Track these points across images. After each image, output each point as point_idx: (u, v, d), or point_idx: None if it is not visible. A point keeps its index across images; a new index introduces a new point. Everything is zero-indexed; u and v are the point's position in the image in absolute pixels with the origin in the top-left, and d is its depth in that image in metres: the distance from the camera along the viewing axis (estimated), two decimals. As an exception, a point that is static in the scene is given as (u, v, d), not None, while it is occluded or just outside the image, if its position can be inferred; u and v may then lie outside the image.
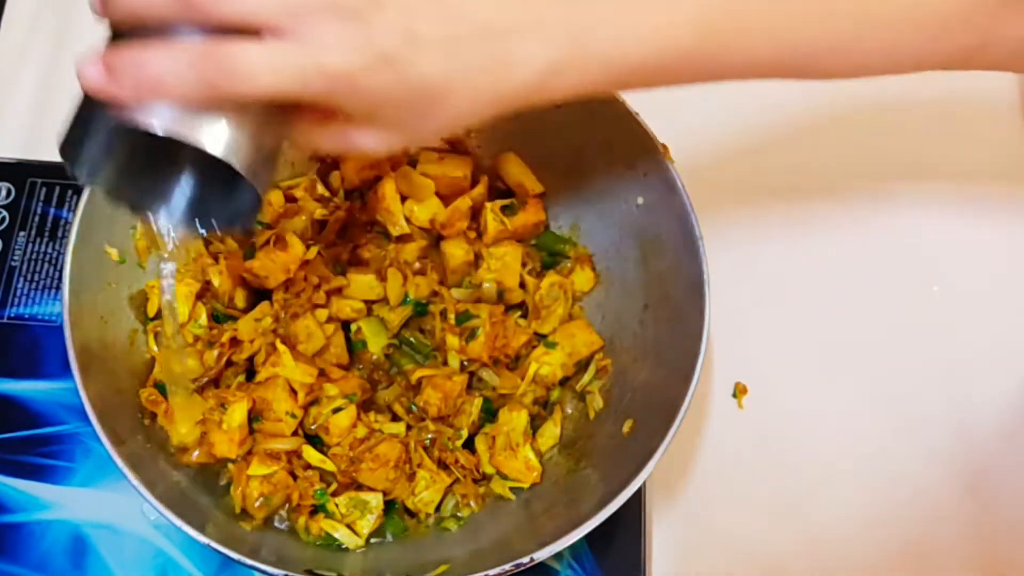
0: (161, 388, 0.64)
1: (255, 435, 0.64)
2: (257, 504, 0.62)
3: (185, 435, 0.62)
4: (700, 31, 0.47)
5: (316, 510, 0.63)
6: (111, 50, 0.42)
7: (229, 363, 0.66)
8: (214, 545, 0.55)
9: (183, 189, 0.49)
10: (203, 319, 0.66)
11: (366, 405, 0.66)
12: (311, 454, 0.64)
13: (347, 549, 0.63)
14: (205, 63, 0.40)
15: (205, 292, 0.68)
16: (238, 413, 0.62)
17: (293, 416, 0.63)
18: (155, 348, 0.65)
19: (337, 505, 0.63)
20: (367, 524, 0.63)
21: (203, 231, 0.49)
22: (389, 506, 0.64)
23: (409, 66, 0.42)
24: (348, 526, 0.63)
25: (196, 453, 0.63)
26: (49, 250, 0.75)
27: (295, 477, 0.63)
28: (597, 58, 0.46)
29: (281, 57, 0.40)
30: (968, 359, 0.76)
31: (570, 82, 0.46)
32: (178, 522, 0.55)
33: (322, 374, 0.65)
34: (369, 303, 0.69)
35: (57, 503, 0.68)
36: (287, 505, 0.63)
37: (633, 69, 0.47)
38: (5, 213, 0.76)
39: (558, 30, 0.45)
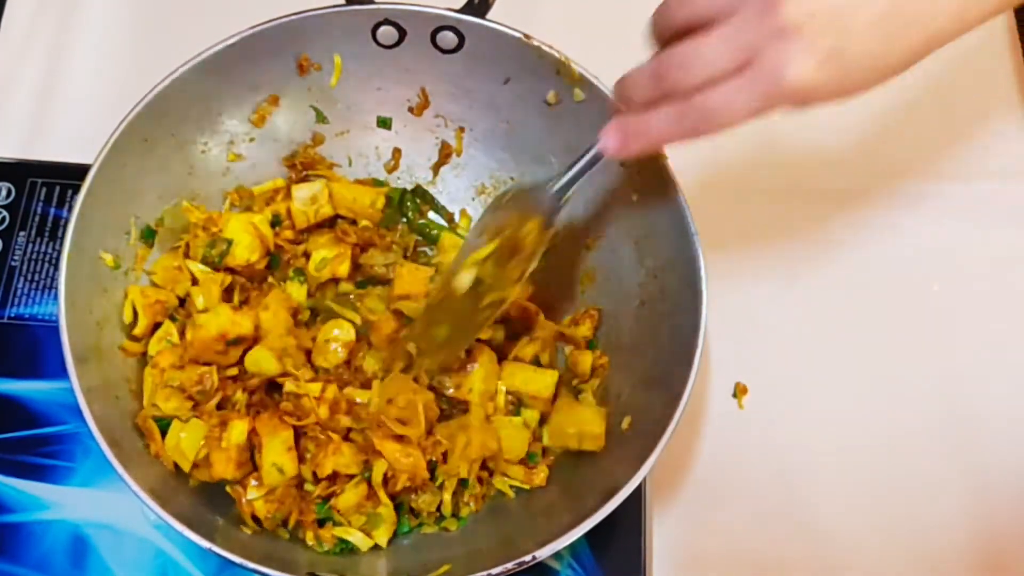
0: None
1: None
2: (267, 518, 0.62)
3: (186, 456, 0.62)
4: None
5: (322, 522, 0.63)
6: (619, 121, 0.56)
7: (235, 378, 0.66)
8: (216, 550, 0.55)
9: None
10: (174, 336, 0.66)
11: None
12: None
13: (359, 552, 0.63)
14: (693, 114, 0.51)
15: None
16: (236, 432, 0.62)
17: (281, 471, 0.62)
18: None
19: (340, 512, 0.63)
20: (384, 533, 0.63)
21: None
22: (397, 508, 0.64)
23: (845, 64, 0.49)
24: (362, 530, 0.63)
25: (195, 470, 0.63)
26: (49, 250, 0.75)
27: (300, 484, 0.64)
28: None
29: (748, 90, 0.50)
30: (970, 358, 0.76)
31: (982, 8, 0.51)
32: (179, 526, 0.55)
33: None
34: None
35: (57, 503, 0.68)
36: (291, 517, 0.63)
37: None
38: (5, 213, 0.76)
39: None
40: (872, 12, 0.49)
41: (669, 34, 0.53)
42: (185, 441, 0.62)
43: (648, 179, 0.65)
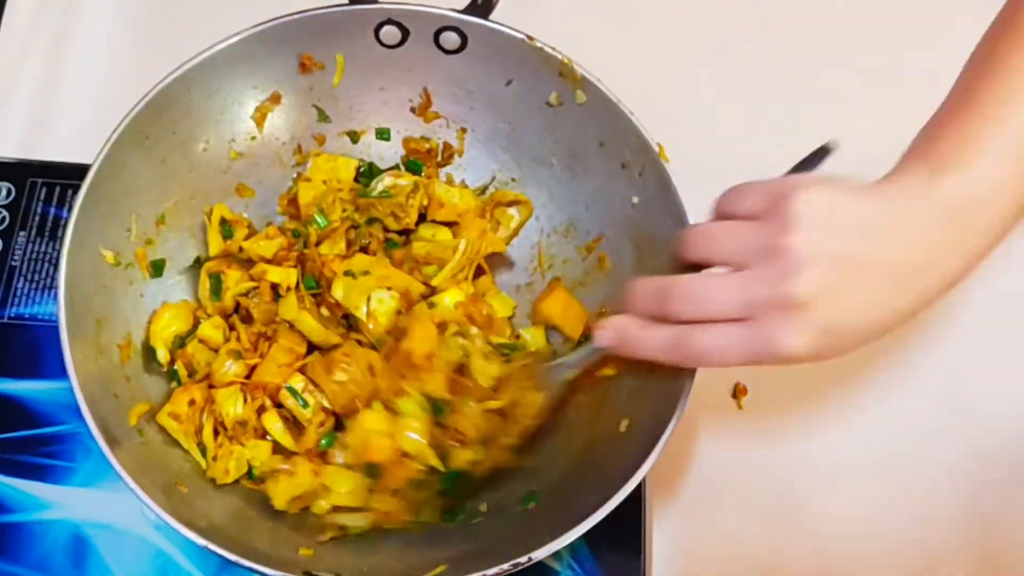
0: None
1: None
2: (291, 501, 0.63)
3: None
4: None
5: None
6: (621, 323, 0.58)
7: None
8: (215, 549, 0.55)
9: None
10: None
11: None
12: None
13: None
14: (684, 347, 0.54)
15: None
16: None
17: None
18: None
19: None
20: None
21: None
22: None
23: (839, 337, 0.51)
24: None
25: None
26: (49, 250, 0.75)
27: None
28: (988, 242, 0.51)
29: (741, 346, 0.51)
30: (971, 360, 0.76)
31: (988, 242, 0.51)
32: (179, 526, 0.55)
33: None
34: None
35: (57, 503, 0.68)
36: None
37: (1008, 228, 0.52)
38: (5, 213, 0.76)
39: (951, 252, 0.51)
40: (879, 274, 0.50)
41: (686, 262, 0.56)
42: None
43: (649, 182, 0.66)
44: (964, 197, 0.50)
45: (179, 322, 0.67)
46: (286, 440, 0.65)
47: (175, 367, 0.66)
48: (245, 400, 0.64)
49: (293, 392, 0.65)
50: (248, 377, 0.66)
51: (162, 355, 0.66)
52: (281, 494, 0.63)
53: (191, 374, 0.67)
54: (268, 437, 0.65)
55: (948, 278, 0.51)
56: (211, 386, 0.66)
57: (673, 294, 0.54)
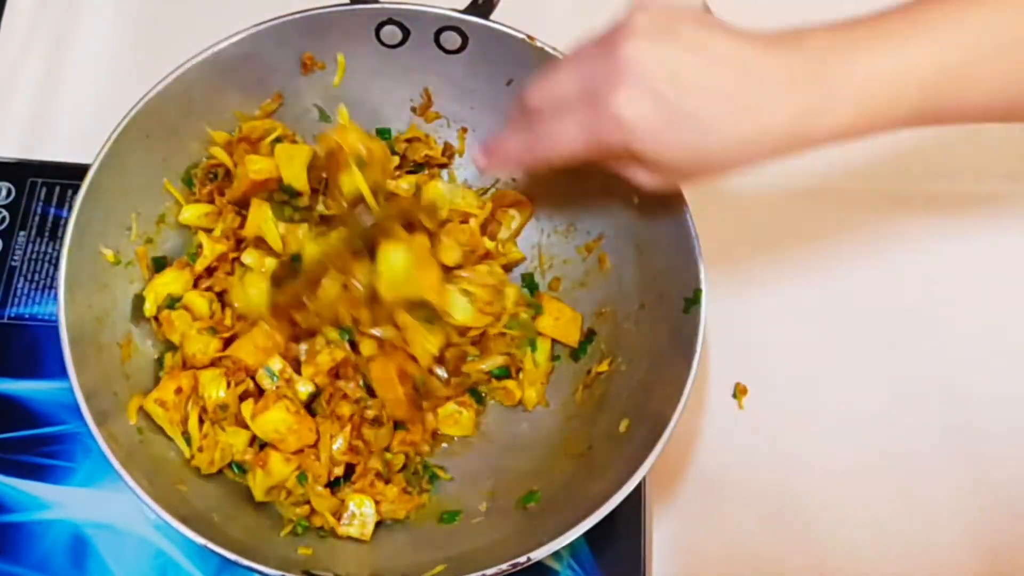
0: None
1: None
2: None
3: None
4: (940, 74, 0.51)
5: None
6: (486, 142, 0.62)
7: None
8: (215, 548, 0.55)
9: None
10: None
11: None
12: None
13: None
14: (536, 139, 0.57)
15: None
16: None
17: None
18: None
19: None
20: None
21: None
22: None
23: (678, 108, 0.50)
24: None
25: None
26: (49, 250, 0.75)
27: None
28: (845, 102, 0.51)
29: (582, 121, 0.53)
30: (971, 358, 0.76)
31: (822, 127, 0.51)
32: (178, 526, 0.55)
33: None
34: None
35: (57, 503, 0.68)
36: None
37: (876, 113, 0.52)
38: (5, 213, 0.76)
39: (808, 79, 0.51)
40: (703, 74, 0.50)
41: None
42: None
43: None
44: (824, 81, 0.51)
45: (177, 285, 0.67)
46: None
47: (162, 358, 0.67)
48: (228, 385, 0.64)
49: (271, 374, 0.65)
50: (224, 349, 0.66)
51: (148, 308, 0.66)
52: (259, 486, 0.63)
53: (167, 345, 0.67)
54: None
55: (772, 133, 0.51)
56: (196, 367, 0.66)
57: (526, 92, 0.56)
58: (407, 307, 0.64)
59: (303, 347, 0.67)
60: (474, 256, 0.69)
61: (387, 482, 0.66)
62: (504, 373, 0.70)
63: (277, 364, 0.65)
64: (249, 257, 0.67)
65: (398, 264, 0.63)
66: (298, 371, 0.66)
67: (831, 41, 0.51)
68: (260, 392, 0.65)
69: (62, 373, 0.58)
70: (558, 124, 0.55)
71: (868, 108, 0.51)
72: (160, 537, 0.67)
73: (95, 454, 0.68)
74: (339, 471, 0.64)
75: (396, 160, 0.72)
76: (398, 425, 0.67)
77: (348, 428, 0.65)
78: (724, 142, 0.51)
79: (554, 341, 0.71)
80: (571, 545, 0.57)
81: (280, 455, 0.63)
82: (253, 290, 0.66)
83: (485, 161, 0.62)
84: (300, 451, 0.64)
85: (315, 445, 0.64)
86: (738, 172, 0.54)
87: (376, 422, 0.66)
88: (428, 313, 0.65)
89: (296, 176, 0.66)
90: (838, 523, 0.71)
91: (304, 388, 0.65)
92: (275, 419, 0.63)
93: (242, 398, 0.65)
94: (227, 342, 0.66)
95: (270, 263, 0.67)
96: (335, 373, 0.66)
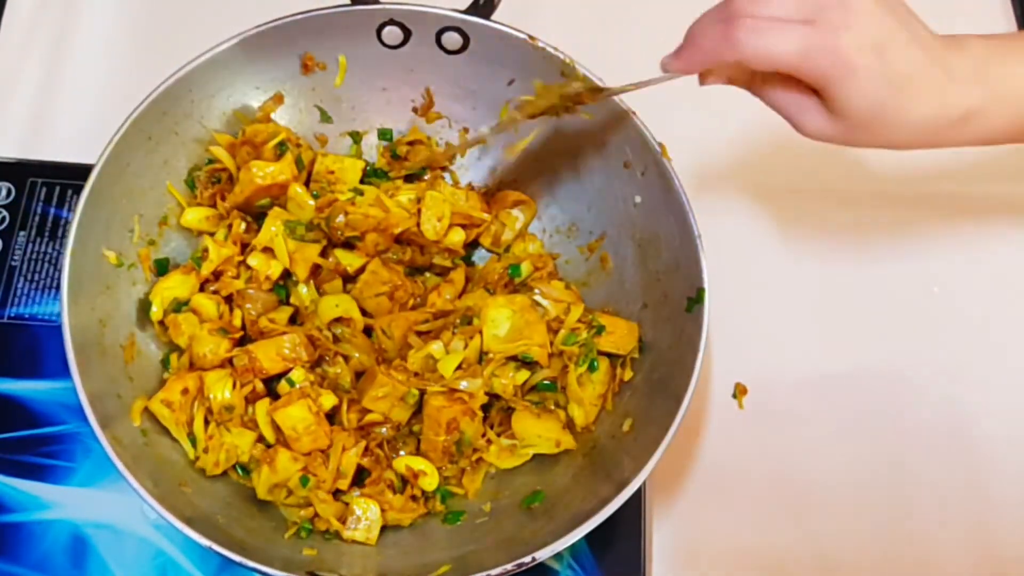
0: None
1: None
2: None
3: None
4: None
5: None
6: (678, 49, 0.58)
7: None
8: (216, 548, 0.55)
9: None
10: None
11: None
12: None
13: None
14: (743, 35, 0.53)
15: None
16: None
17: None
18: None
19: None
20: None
21: None
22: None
23: (890, 68, 0.53)
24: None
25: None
26: (49, 250, 0.75)
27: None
28: (1002, 105, 0.56)
29: (806, 41, 0.53)
30: (969, 360, 0.77)
31: (978, 127, 0.56)
32: (179, 525, 0.55)
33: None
34: None
35: (57, 503, 0.68)
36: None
37: None
38: (5, 213, 0.76)
39: (976, 79, 0.55)
40: (907, 49, 0.54)
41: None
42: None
43: (651, 181, 0.66)
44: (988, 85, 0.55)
45: (183, 289, 0.67)
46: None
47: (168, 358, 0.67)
48: (235, 386, 0.64)
49: (292, 384, 0.65)
50: (236, 347, 0.66)
51: (155, 312, 0.66)
52: (263, 483, 0.63)
53: (171, 348, 0.67)
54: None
55: (941, 119, 0.55)
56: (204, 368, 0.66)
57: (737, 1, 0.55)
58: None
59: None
60: (544, 271, 0.70)
61: (396, 493, 0.65)
62: (550, 387, 0.68)
63: (301, 377, 0.65)
64: (255, 260, 0.67)
65: (500, 321, 0.65)
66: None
67: (990, 50, 0.55)
68: (269, 395, 0.66)
69: (62, 373, 0.58)
70: (775, 30, 0.53)
71: (1020, 116, 0.56)
72: (160, 537, 0.67)
73: (95, 454, 0.68)
74: (343, 484, 0.64)
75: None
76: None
77: (363, 443, 0.65)
78: (908, 114, 0.54)
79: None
80: (571, 545, 0.57)
81: (290, 454, 0.63)
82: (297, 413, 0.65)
83: (675, 59, 0.57)
84: (309, 454, 0.64)
85: (326, 451, 0.64)
86: (895, 147, 0.56)
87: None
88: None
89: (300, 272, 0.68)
90: (838, 523, 0.71)
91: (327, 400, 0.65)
92: (296, 416, 0.63)
93: (248, 400, 0.65)
94: (236, 344, 0.66)
95: (275, 267, 0.67)
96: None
